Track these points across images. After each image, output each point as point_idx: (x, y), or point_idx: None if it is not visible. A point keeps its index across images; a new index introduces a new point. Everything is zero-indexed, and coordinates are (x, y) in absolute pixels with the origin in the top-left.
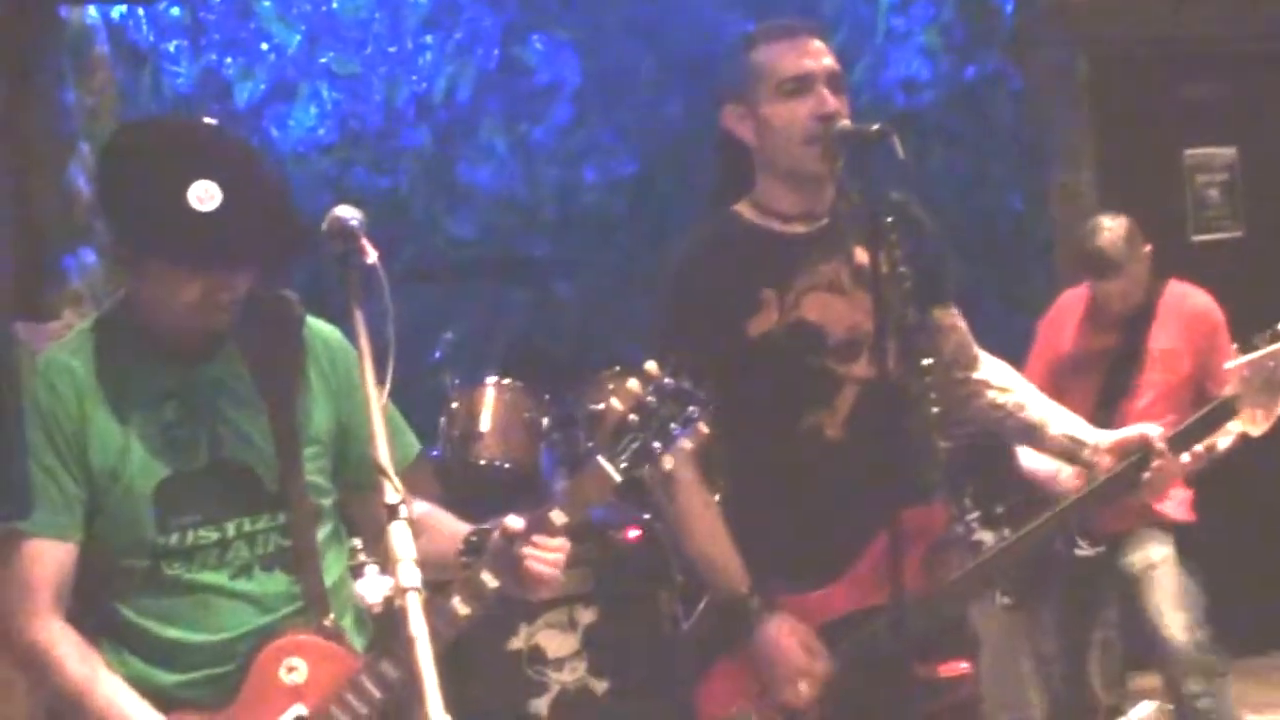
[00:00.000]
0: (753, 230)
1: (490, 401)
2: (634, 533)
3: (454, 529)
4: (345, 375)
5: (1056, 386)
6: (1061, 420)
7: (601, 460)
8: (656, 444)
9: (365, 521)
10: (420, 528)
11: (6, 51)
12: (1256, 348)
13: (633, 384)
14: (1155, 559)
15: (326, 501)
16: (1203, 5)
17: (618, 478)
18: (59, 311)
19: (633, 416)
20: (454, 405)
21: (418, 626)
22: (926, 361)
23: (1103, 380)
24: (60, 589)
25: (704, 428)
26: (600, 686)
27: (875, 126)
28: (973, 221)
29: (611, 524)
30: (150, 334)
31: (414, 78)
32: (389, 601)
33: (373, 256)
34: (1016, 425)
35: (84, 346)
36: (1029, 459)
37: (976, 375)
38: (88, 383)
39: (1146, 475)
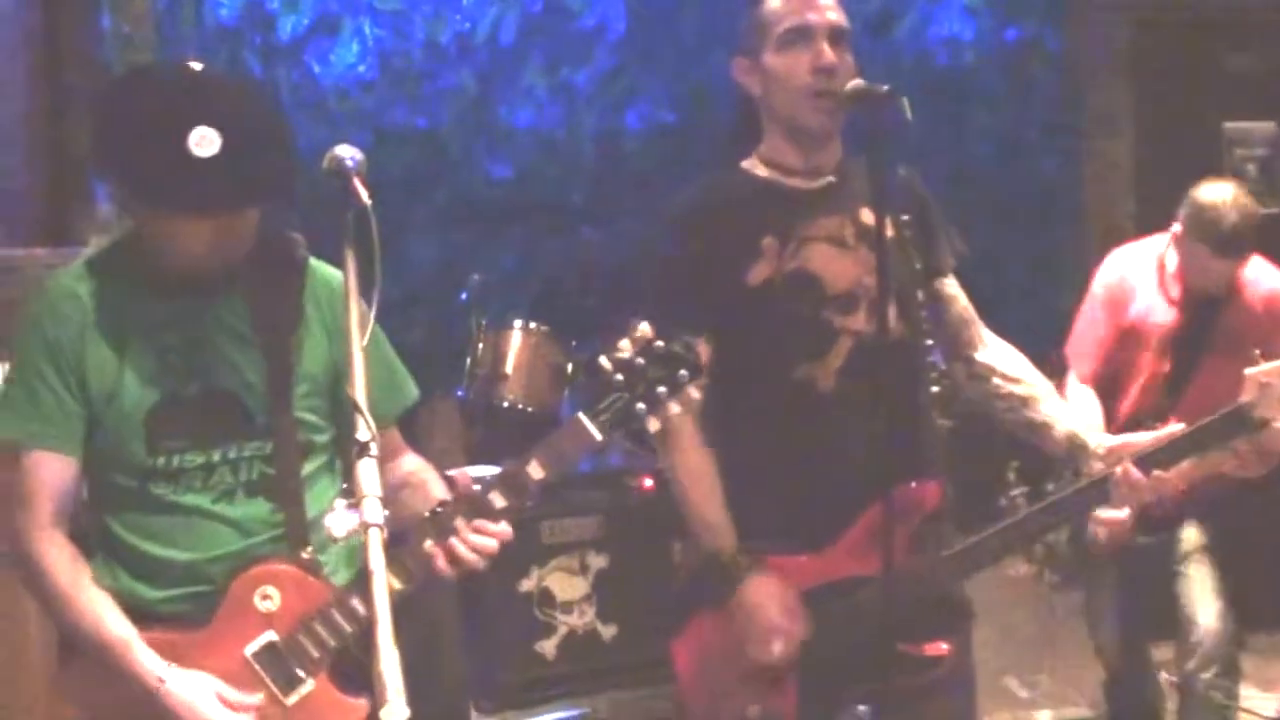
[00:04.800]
0: (757, 182)
1: (516, 344)
2: (648, 481)
3: (433, 495)
4: (344, 318)
5: (1123, 361)
6: (1067, 420)
7: (583, 417)
8: (640, 406)
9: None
10: (405, 483)
11: None
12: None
13: (623, 344)
14: (1202, 542)
15: (319, 438)
16: None
17: (598, 436)
18: (87, 238)
19: (619, 376)
20: (480, 346)
21: (376, 561)
22: (929, 342)
23: (1171, 360)
24: (60, 502)
25: (694, 392)
26: (608, 631)
27: (885, 87)
28: (1006, 185)
29: (625, 472)
30: (154, 269)
31: (457, 17)
32: (353, 536)
33: (365, 198)
34: (1019, 420)
35: (89, 274)
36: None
37: (981, 357)
38: (90, 308)
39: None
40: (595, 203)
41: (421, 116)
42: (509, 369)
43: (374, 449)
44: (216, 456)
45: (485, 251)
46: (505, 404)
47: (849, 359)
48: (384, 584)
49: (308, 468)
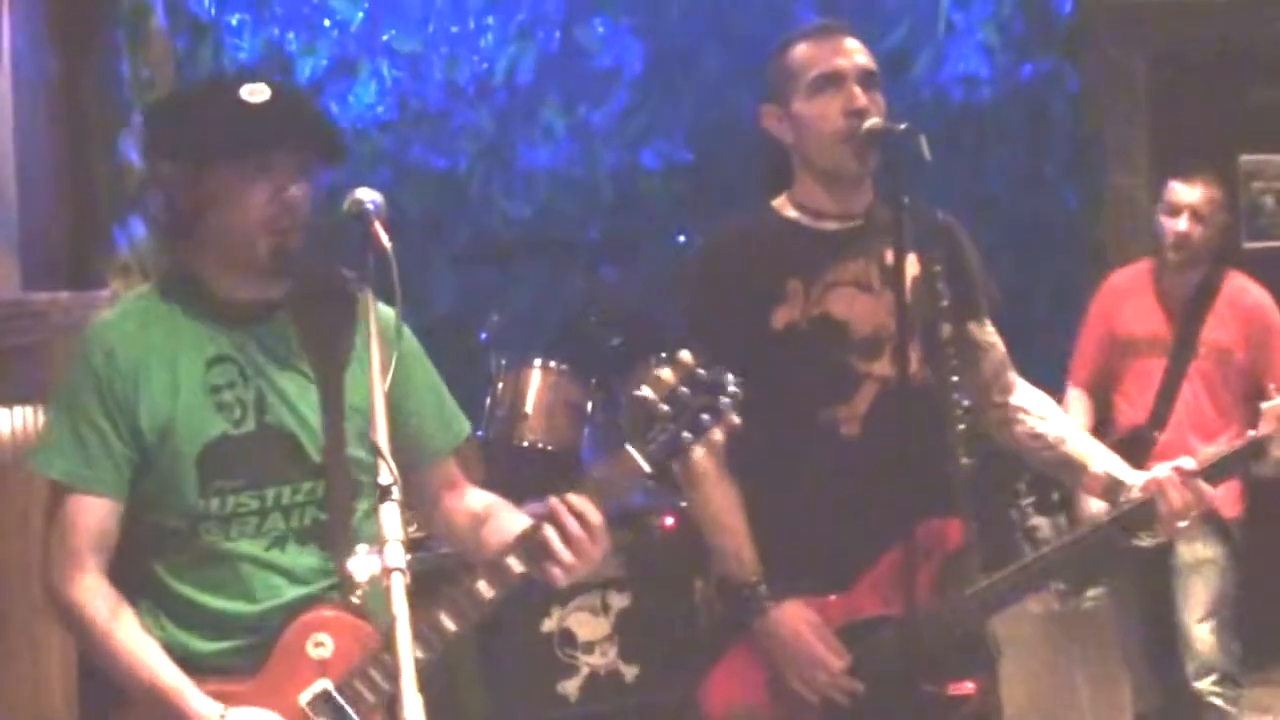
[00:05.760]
0: (784, 224)
1: (536, 384)
2: (669, 520)
3: (514, 527)
4: (397, 353)
5: (1114, 371)
6: (1102, 458)
7: (631, 449)
8: (687, 434)
9: (416, 497)
10: (480, 520)
11: (63, 22)
12: None
13: (665, 373)
14: (1203, 556)
15: (367, 477)
16: (1264, 9)
17: (647, 467)
18: (108, 281)
19: (664, 406)
20: (499, 386)
21: (400, 607)
22: (954, 378)
23: (1163, 369)
24: (101, 545)
25: (735, 418)
26: (630, 672)
27: (903, 125)
28: (1026, 220)
29: (647, 510)
30: (205, 297)
31: (475, 58)
32: (375, 580)
33: (386, 242)
34: (1055, 458)
35: (139, 310)
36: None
37: (1013, 400)
38: (140, 345)
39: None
40: (613, 241)
41: (440, 156)
42: (529, 408)
43: (396, 493)
44: (270, 500)
45: (504, 290)
46: (525, 444)
47: (874, 404)
48: (408, 630)
49: (360, 508)
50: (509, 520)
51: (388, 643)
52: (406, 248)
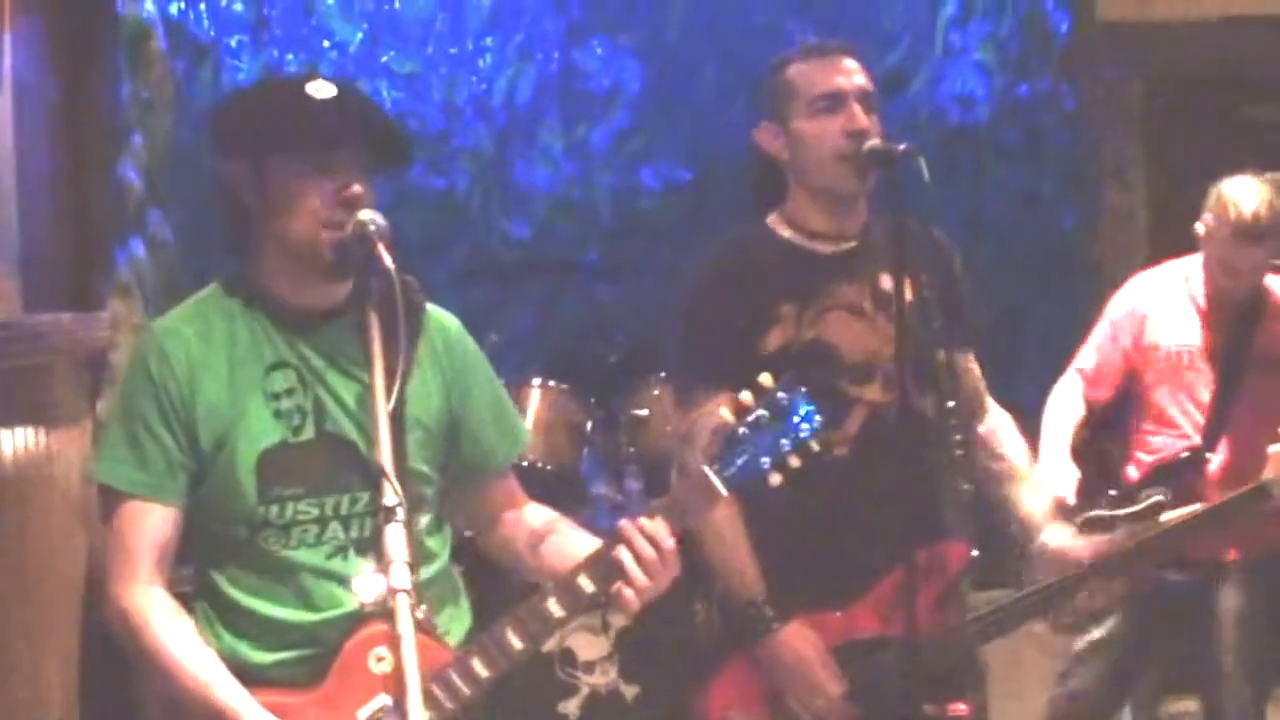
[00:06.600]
0: (779, 244)
1: (535, 403)
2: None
3: (577, 549)
4: (461, 365)
5: (1143, 386)
6: (1028, 504)
7: (709, 473)
8: (765, 460)
9: (476, 511)
10: (539, 536)
11: (64, 43)
12: None
13: (745, 396)
14: (1256, 608)
15: (429, 490)
16: (1259, 28)
17: (724, 491)
18: (108, 302)
19: (743, 430)
20: None
21: (404, 626)
22: (951, 404)
23: (1208, 384)
24: (161, 554)
25: (815, 445)
26: (630, 691)
27: (903, 146)
28: (1023, 239)
29: None
30: (265, 302)
31: (474, 79)
32: (381, 601)
33: (389, 264)
34: (992, 495)
35: (197, 314)
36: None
37: (980, 429)
38: (200, 350)
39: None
40: (612, 260)
41: (439, 176)
42: (528, 428)
43: (400, 514)
44: (329, 509)
45: (503, 309)
46: (525, 463)
47: (864, 427)
48: (412, 648)
49: (421, 521)
50: (570, 538)
51: (454, 660)
52: (405, 268)
